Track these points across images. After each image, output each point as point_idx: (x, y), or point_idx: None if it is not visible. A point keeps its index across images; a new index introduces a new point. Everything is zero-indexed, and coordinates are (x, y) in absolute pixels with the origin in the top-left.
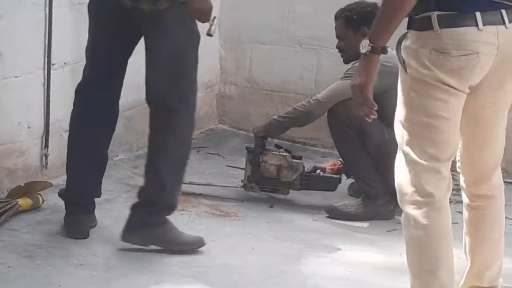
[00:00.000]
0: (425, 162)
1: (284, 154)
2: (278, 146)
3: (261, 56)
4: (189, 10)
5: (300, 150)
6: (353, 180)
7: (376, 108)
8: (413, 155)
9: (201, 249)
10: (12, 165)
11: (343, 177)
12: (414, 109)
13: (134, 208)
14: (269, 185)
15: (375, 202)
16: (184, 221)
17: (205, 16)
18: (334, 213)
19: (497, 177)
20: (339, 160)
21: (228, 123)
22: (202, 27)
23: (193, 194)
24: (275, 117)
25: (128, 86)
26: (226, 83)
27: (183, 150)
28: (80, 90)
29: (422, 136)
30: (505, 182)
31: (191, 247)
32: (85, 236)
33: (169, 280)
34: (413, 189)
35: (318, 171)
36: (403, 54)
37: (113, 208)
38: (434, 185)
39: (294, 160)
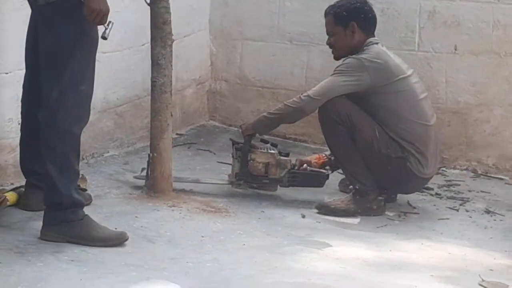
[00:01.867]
0: None
1: (272, 152)
2: (264, 141)
3: (251, 52)
4: (84, 10)
5: (291, 146)
6: (344, 176)
7: None
8: None
9: (192, 245)
10: (3, 161)
11: (330, 171)
12: None
13: (46, 206)
14: (257, 182)
15: (365, 198)
16: (175, 217)
17: (100, 18)
18: (325, 209)
19: None
20: (324, 153)
21: (219, 119)
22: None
23: (184, 191)
24: (265, 114)
25: (118, 82)
26: (216, 80)
27: (64, 147)
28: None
29: None
30: (495, 177)
31: (106, 243)
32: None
33: (159, 276)
34: None
35: (305, 165)
36: None
37: (104, 204)
38: None
39: (282, 158)
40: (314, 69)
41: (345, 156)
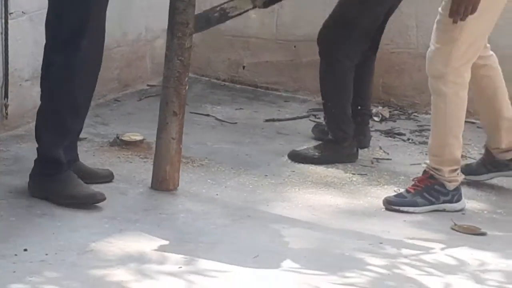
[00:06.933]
0: None
1: None
2: None
3: (221, 0)
4: None
5: (262, 94)
6: (316, 123)
7: None
8: None
9: (165, 196)
10: None
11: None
12: None
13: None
14: None
15: (339, 145)
16: (147, 168)
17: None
18: (298, 158)
19: None
20: None
21: (190, 70)
22: None
23: (154, 142)
24: None
25: None
26: None
27: (53, 103)
28: None
29: None
30: (467, 121)
31: (80, 201)
32: None
33: (132, 228)
34: None
35: None
36: None
37: None
38: None
39: None
40: (285, 16)
41: (336, 96)
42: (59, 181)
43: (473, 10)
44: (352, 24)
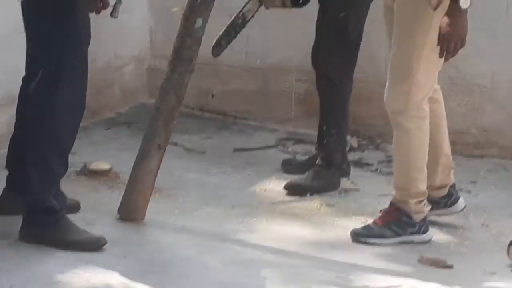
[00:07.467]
0: None
1: None
2: None
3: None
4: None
5: (231, 123)
6: (286, 157)
7: None
8: None
9: (132, 227)
10: None
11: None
12: None
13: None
14: None
15: (329, 171)
16: (114, 198)
17: None
18: (298, 190)
19: None
20: None
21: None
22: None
23: (122, 172)
24: None
25: None
26: (156, 57)
27: (39, 149)
28: None
29: None
30: None
31: (81, 248)
32: None
33: (99, 259)
34: None
35: None
36: None
37: None
38: None
39: None
40: (255, 44)
41: (339, 122)
42: (57, 229)
43: (462, 44)
44: (352, 38)
